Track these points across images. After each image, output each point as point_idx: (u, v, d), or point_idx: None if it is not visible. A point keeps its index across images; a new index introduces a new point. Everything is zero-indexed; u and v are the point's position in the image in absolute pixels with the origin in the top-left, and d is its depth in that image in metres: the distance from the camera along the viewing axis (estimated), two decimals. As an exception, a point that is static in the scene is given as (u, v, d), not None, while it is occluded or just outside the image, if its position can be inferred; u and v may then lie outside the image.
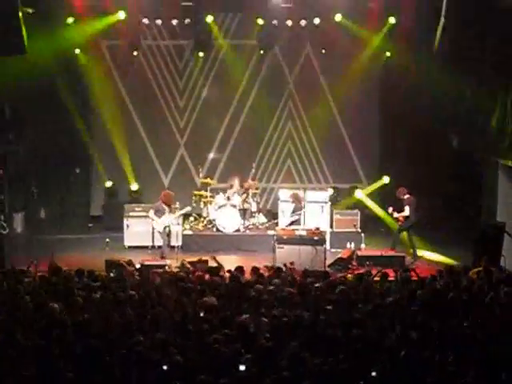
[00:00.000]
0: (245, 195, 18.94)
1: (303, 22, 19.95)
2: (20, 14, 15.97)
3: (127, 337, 8.59)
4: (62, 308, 9.61)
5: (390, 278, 12.19)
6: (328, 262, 15.88)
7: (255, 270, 12.47)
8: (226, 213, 18.41)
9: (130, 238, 18.22)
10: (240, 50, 21.18)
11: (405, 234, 17.13)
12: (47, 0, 18.38)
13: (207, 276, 12.17)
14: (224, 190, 18.96)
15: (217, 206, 18.57)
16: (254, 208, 19.20)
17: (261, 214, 19.54)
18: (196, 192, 19.42)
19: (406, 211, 16.91)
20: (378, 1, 19.19)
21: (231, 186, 18.83)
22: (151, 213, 16.37)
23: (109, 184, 21.09)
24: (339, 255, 16.40)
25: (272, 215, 19.68)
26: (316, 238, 15.86)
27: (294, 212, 17.39)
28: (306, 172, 21.88)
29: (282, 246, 15.75)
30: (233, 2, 19.85)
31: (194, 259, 14.88)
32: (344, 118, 21.57)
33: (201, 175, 19.78)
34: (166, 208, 16.32)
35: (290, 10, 19.54)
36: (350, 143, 21.73)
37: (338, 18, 19.27)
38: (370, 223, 19.32)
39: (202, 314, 9.74)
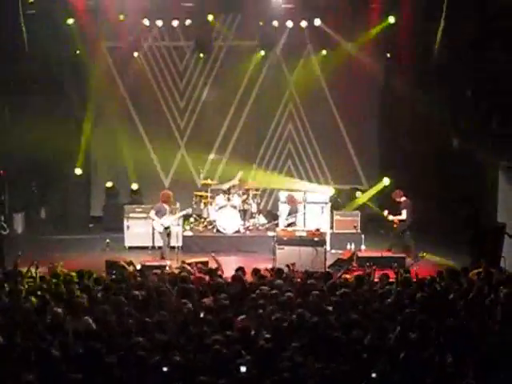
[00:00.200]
0: (245, 196, 18.96)
1: (304, 23, 20.01)
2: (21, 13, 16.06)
3: (127, 338, 8.59)
4: (63, 310, 9.61)
5: (391, 280, 12.17)
6: (328, 263, 15.87)
7: (256, 271, 12.46)
8: (226, 214, 18.42)
9: (131, 239, 18.23)
10: (240, 51, 21.19)
11: (402, 235, 17.08)
12: (48, 1, 18.41)
13: (207, 277, 12.17)
14: (224, 192, 18.97)
15: (217, 207, 18.59)
16: (254, 209, 19.21)
17: (261, 215, 19.58)
18: (196, 193, 19.45)
19: (404, 214, 16.88)
20: (378, 1, 19.25)
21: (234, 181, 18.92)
22: (152, 213, 16.37)
23: (109, 185, 21.11)
24: (339, 256, 16.41)
25: (272, 216, 19.71)
26: (316, 239, 15.85)
27: (289, 214, 17.41)
28: (306, 173, 21.87)
29: (282, 247, 15.73)
30: (233, 2, 19.88)
31: (194, 260, 14.88)
32: (344, 119, 21.57)
33: (201, 176, 19.79)
34: (167, 209, 16.32)
35: (291, 11, 19.57)
36: (350, 144, 21.74)
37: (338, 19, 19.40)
38: (370, 224, 19.31)
39: (202, 315, 9.74)
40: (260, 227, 19.11)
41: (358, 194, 20.44)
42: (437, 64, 18.25)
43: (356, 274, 13.03)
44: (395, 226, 17.05)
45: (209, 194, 19.11)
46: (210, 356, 7.97)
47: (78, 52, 20.13)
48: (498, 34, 16.02)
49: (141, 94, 21.46)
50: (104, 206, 21.02)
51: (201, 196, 19.27)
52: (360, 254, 16.35)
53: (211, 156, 21.10)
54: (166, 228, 16.28)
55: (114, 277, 12.35)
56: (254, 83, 21.51)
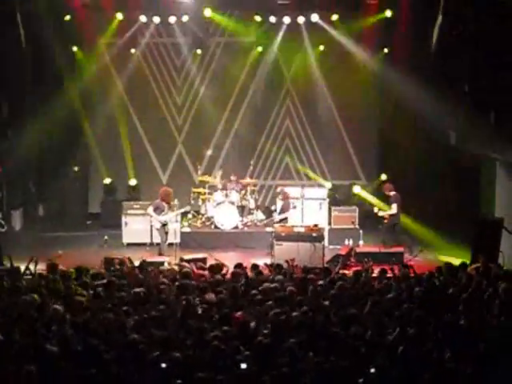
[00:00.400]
0: (243, 192, 18.97)
1: (301, 19, 20.00)
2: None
3: (125, 334, 8.59)
4: (61, 307, 9.61)
5: (388, 275, 12.19)
6: (326, 258, 15.88)
7: (255, 267, 12.47)
8: (224, 210, 18.42)
9: (129, 236, 18.23)
10: (238, 47, 21.17)
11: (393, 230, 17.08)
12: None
13: (208, 274, 12.17)
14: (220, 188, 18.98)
15: (215, 203, 18.58)
16: (252, 205, 19.22)
17: (259, 211, 19.57)
18: (194, 189, 19.44)
19: (393, 209, 16.90)
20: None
21: (230, 181, 18.93)
22: (150, 209, 16.34)
23: (107, 181, 21.10)
24: (337, 252, 16.41)
25: (270, 212, 19.69)
26: (314, 234, 15.84)
27: (282, 210, 17.44)
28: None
29: (280, 242, 15.73)
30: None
31: (192, 257, 14.88)
32: (342, 115, 21.56)
33: (199, 172, 19.78)
34: (166, 206, 16.30)
35: (288, 7, 19.56)
36: (348, 140, 21.74)
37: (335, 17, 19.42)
38: (368, 220, 19.31)
39: (201, 311, 9.75)
40: (258, 223, 19.11)
41: (356, 188, 20.37)
42: (434, 59, 18.26)
43: (354, 269, 13.05)
44: (385, 220, 17.07)
45: (207, 191, 19.10)
46: (209, 352, 7.97)
47: (75, 49, 20.12)
48: (495, 31, 16.01)
49: (138, 90, 21.44)
50: (102, 202, 21.00)
51: (199, 192, 19.27)
52: (358, 250, 16.37)
53: (209, 152, 21.10)
54: (164, 224, 16.26)
55: (111, 273, 12.34)
56: (251, 79, 21.49)
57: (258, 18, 19.95)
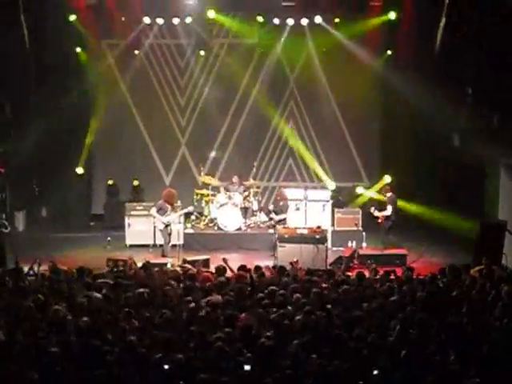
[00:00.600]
0: (246, 194, 18.96)
1: (304, 21, 19.99)
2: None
3: (128, 336, 8.57)
4: (64, 308, 9.60)
5: (392, 277, 12.17)
6: (329, 260, 15.86)
7: (257, 269, 12.44)
8: (227, 211, 18.42)
9: (132, 237, 18.23)
10: (241, 49, 21.16)
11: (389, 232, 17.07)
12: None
13: (212, 276, 12.15)
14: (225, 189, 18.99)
15: (218, 205, 18.59)
16: (255, 207, 19.22)
17: (262, 212, 19.54)
18: (197, 191, 19.43)
19: (388, 210, 16.89)
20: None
21: (232, 183, 18.92)
22: (153, 210, 16.33)
23: (110, 182, 21.08)
24: (340, 254, 16.40)
25: (268, 212, 19.62)
26: (317, 236, 15.84)
27: (281, 211, 17.44)
28: (307, 171, 21.85)
29: (283, 244, 15.74)
30: (234, 0, 19.87)
31: (195, 258, 14.87)
32: (345, 116, 21.53)
33: (202, 174, 19.78)
34: (169, 207, 16.29)
35: (292, 9, 19.56)
36: (351, 142, 21.71)
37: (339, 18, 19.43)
38: (372, 222, 19.27)
39: (204, 313, 9.72)
40: (261, 225, 19.09)
41: (359, 189, 20.35)
42: (438, 60, 18.24)
43: (357, 271, 13.02)
44: (380, 221, 17.04)
45: (210, 192, 19.10)
46: (212, 354, 7.96)
47: (78, 49, 20.12)
48: (498, 32, 16.00)
49: (142, 91, 21.44)
50: (105, 203, 21.00)
51: (202, 194, 19.26)
52: (361, 252, 16.36)
53: (212, 154, 21.07)
54: (167, 226, 16.25)
55: (114, 274, 12.33)
56: (254, 81, 21.48)
57: (261, 20, 19.93)
